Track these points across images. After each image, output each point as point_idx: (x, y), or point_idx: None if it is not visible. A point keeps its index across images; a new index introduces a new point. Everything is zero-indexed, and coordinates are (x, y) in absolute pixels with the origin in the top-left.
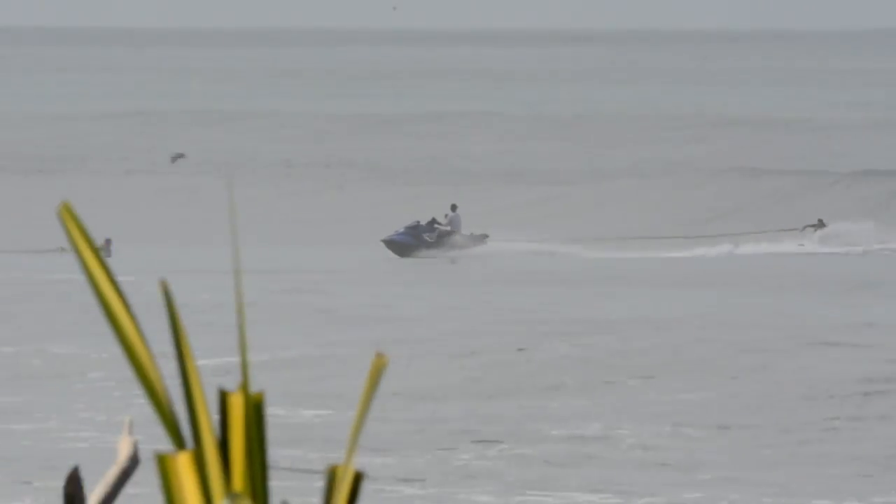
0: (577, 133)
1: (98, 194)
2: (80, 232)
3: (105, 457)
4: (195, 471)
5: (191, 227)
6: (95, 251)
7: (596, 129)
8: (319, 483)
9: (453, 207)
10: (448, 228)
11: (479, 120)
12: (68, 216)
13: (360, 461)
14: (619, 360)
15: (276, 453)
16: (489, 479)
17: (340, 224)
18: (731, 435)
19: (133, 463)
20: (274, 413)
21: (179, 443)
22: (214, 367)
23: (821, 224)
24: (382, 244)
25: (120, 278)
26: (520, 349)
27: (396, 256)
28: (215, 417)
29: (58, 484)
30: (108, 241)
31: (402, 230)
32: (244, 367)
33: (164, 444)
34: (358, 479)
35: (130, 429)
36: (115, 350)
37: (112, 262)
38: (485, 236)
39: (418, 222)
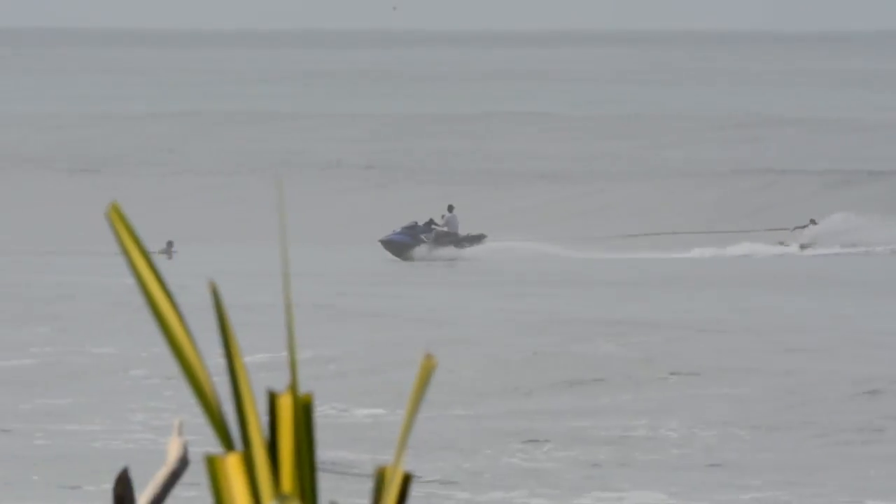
0: (623, 132)
1: (148, 195)
2: (128, 233)
3: (155, 458)
4: (244, 472)
5: (243, 227)
6: (144, 252)
7: (639, 129)
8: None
9: (450, 208)
10: (445, 229)
11: (524, 120)
12: (117, 217)
13: (408, 463)
14: (662, 358)
15: (326, 454)
16: (541, 479)
17: (384, 224)
18: (778, 435)
19: (182, 464)
20: (323, 413)
21: (228, 444)
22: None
23: (812, 224)
24: (380, 244)
25: (180, 280)
26: (560, 347)
27: (394, 257)
28: (264, 418)
29: (107, 485)
30: (170, 244)
31: (399, 230)
32: (293, 368)
33: (214, 445)
34: (407, 480)
35: (180, 430)
36: (164, 351)
37: (173, 264)
38: (482, 236)
39: (416, 222)
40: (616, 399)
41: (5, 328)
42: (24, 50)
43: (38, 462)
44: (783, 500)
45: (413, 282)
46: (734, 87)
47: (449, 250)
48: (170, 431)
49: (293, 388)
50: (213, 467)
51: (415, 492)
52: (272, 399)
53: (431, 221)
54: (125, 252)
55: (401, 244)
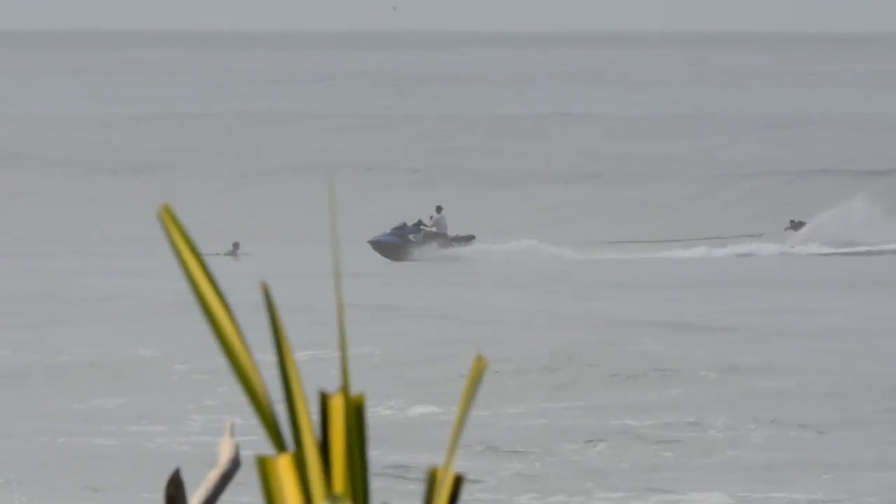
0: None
1: (204, 195)
2: (179, 233)
3: (207, 459)
4: (296, 473)
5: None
6: (196, 253)
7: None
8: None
9: (438, 209)
10: (434, 230)
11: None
12: (168, 218)
13: (461, 464)
14: (701, 357)
15: (377, 454)
16: (598, 481)
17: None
18: (827, 434)
19: (234, 465)
20: (375, 412)
21: (280, 445)
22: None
23: (797, 224)
24: (369, 246)
25: (246, 282)
26: (597, 346)
27: (384, 258)
28: (316, 418)
29: (159, 486)
30: (236, 245)
31: (388, 231)
32: (344, 369)
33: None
34: (458, 482)
35: (232, 431)
36: (214, 351)
37: (239, 265)
38: (471, 237)
39: (405, 223)
40: (661, 397)
41: (56, 328)
42: (69, 52)
43: (93, 463)
44: (838, 500)
45: (442, 281)
46: (770, 88)
47: (438, 251)
48: (222, 433)
49: (345, 389)
50: (264, 468)
51: (469, 494)
52: (324, 400)
53: (420, 222)
54: (177, 252)
55: (390, 245)
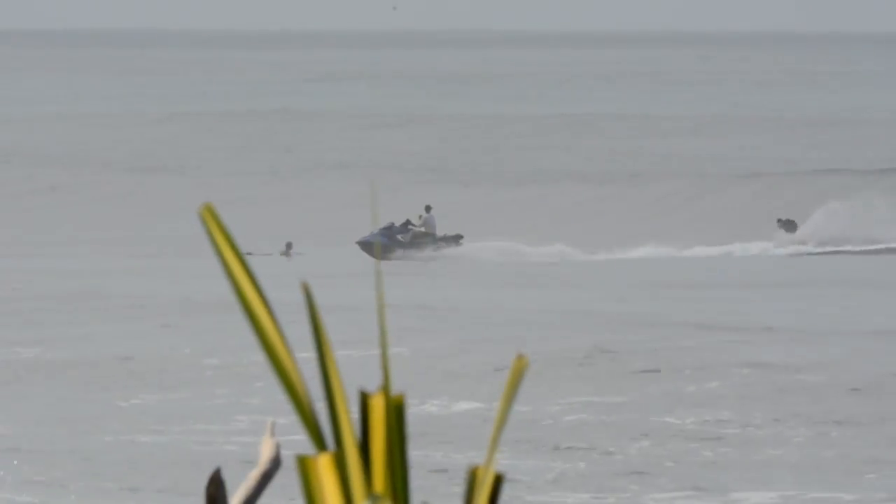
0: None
1: (246, 196)
2: (221, 232)
3: (247, 459)
4: (336, 472)
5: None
6: (237, 252)
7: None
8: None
9: (427, 209)
10: (422, 229)
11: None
12: (210, 217)
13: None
14: (730, 354)
15: (417, 453)
16: (644, 480)
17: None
18: (872, 431)
19: (275, 465)
20: (415, 411)
21: (321, 445)
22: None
23: (787, 224)
24: (357, 246)
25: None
26: (636, 344)
27: (371, 258)
28: (355, 417)
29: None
30: (289, 245)
31: (376, 231)
32: (385, 368)
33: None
34: (498, 481)
35: (272, 431)
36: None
37: (292, 264)
38: (459, 237)
39: (392, 223)
40: (698, 394)
41: (98, 326)
42: (110, 52)
43: (138, 461)
44: (885, 500)
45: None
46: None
47: (426, 251)
48: (263, 432)
49: (385, 388)
50: (305, 468)
51: (511, 493)
52: (364, 399)
53: (408, 222)
54: (218, 252)
55: (377, 245)
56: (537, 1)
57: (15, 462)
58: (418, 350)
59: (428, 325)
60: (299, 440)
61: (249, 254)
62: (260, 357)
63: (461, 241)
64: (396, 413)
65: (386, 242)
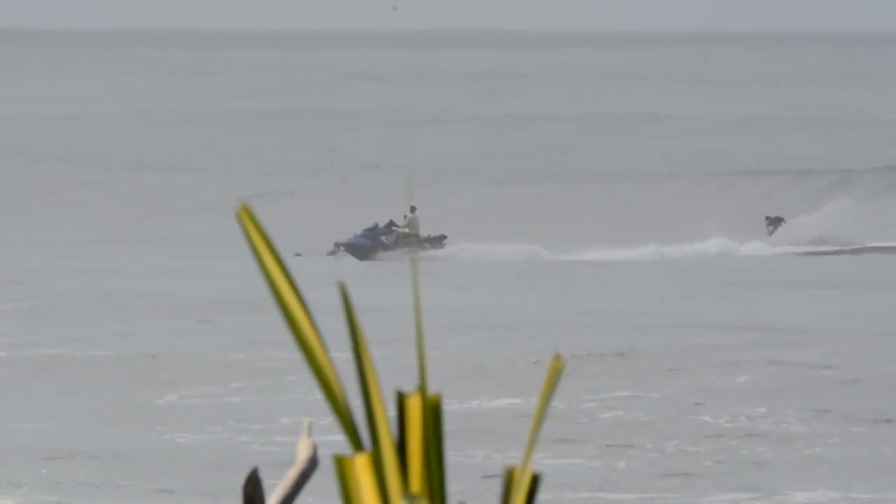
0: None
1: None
2: (258, 233)
3: (285, 459)
4: (373, 472)
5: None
6: (274, 252)
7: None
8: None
9: (412, 209)
10: (406, 230)
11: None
12: (246, 217)
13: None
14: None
15: (454, 453)
16: (684, 480)
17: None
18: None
19: (312, 465)
20: (451, 411)
21: (357, 445)
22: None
23: (775, 220)
24: (341, 248)
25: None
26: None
27: (356, 259)
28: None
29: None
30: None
31: (360, 233)
32: (421, 368)
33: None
34: (535, 481)
35: (309, 431)
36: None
37: (340, 265)
38: (443, 237)
39: (376, 224)
40: (728, 392)
41: (139, 324)
42: (147, 52)
43: (175, 460)
44: None
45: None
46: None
47: (410, 251)
48: (300, 432)
49: (422, 388)
50: (341, 468)
51: (551, 493)
52: (401, 399)
53: (392, 223)
54: (255, 252)
55: (361, 247)
56: (531, 1)
57: (47, 462)
58: (447, 350)
59: (454, 326)
60: (337, 441)
61: (298, 255)
62: (297, 356)
63: (444, 242)
64: (433, 413)
65: (369, 245)
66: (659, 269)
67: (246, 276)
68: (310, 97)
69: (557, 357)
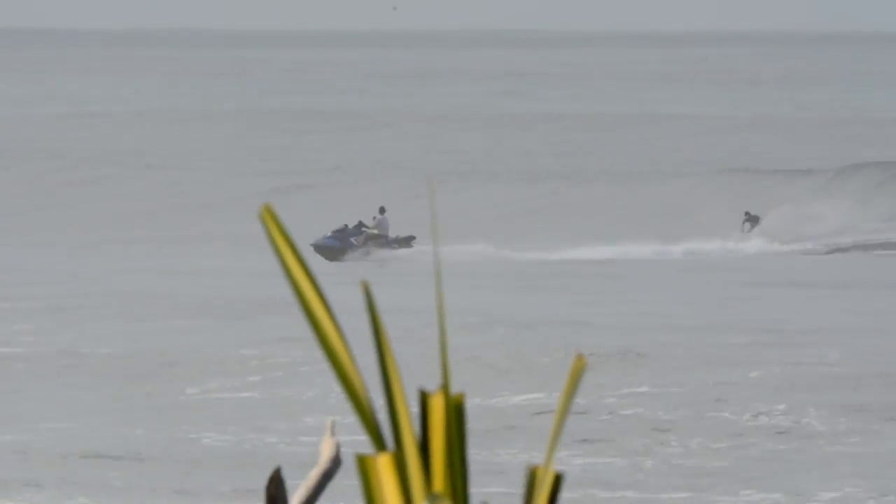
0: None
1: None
2: (280, 233)
3: (307, 459)
4: (395, 472)
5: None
6: (296, 252)
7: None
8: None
9: (381, 210)
10: (375, 231)
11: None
12: (269, 218)
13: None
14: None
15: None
16: (712, 479)
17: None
18: None
19: (335, 464)
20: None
21: (380, 444)
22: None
23: (753, 218)
24: (311, 248)
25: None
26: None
27: (325, 260)
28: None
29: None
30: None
31: (329, 234)
32: (444, 367)
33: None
34: (558, 480)
35: (332, 430)
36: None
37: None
38: (411, 238)
39: (346, 226)
40: (746, 388)
41: (161, 322)
42: (172, 52)
43: (199, 460)
44: None
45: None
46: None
47: (379, 252)
48: (323, 432)
49: (445, 388)
50: (364, 467)
51: (574, 491)
52: (424, 399)
53: (361, 224)
54: (277, 252)
55: (330, 248)
56: (532, 2)
57: (73, 462)
58: (463, 350)
59: (470, 326)
60: (360, 440)
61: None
62: (319, 356)
63: (413, 243)
64: (456, 412)
65: (338, 246)
66: (677, 267)
67: (264, 275)
68: (320, 97)
69: (579, 357)
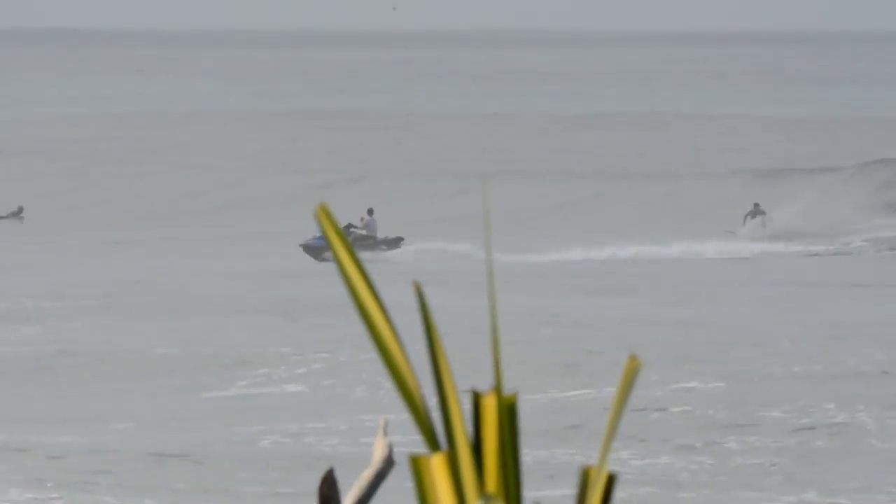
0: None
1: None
2: (336, 233)
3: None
4: (449, 472)
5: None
6: (351, 251)
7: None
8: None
9: (370, 212)
10: (364, 232)
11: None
12: (325, 217)
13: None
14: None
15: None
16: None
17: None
18: None
19: (388, 464)
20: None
21: (433, 444)
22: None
23: (757, 210)
24: (301, 248)
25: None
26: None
27: (314, 259)
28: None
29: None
30: (397, 239)
31: (318, 235)
32: (497, 368)
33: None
34: (611, 481)
35: (385, 430)
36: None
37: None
38: (399, 239)
39: None
40: (779, 389)
41: (194, 320)
42: (208, 52)
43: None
44: None
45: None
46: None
47: (367, 253)
48: (376, 432)
49: (497, 388)
50: (417, 467)
51: (626, 491)
52: (476, 399)
53: (350, 225)
54: (333, 251)
55: (318, 248)
56: (531, 2)
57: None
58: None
59: (514, 325)
60: (412, 440)
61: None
62: (373, 355)
63: (401, 244)
64: (509, 412)
65: (326, 246)
66: (708, 266)
67: (330, 275)
68: (320, 97)
69: (633, 358)
